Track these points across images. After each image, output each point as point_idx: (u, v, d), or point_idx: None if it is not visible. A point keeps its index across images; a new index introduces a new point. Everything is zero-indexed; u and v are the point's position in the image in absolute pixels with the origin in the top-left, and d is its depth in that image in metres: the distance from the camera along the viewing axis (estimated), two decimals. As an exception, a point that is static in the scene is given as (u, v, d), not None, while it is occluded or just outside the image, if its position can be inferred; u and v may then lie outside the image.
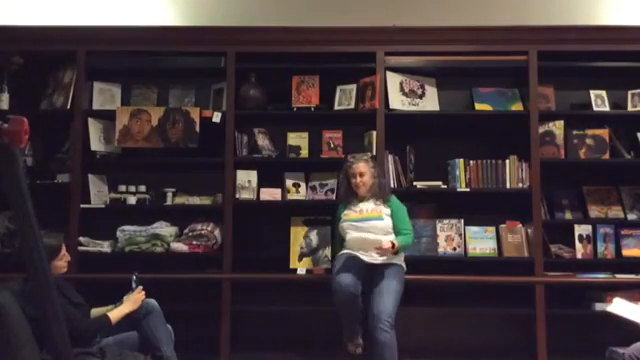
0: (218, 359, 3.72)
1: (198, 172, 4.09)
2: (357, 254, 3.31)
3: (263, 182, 3.96)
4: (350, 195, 3.53)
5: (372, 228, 3.38)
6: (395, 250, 3.33)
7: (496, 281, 3.79)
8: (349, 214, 3.49)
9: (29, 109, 3.97)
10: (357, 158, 3.52)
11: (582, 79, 4.07)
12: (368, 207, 3.48)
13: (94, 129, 3.97)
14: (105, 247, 3.87)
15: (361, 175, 3.46)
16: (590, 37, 3.85)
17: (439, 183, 3.91)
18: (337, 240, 3.58)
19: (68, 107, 3.97)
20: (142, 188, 3.98)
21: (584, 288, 3.86)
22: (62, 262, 2.84)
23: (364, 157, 3.54)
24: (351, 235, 3.38)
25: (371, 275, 3.33)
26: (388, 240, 3.31)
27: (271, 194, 3.92)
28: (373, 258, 3.32)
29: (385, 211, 3.45)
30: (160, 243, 3.84)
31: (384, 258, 3.34)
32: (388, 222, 3.44)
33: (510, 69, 4.04)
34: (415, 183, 3.91)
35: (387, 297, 3.23)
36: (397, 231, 3.41)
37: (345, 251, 3.40)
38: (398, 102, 3.98)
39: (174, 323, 3.10)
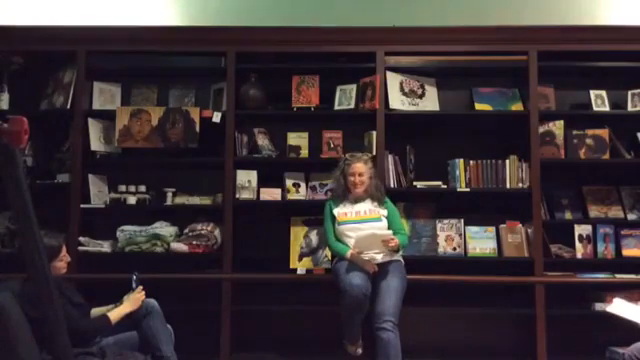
0: (218, 359, 3.72)
1: (198, 172, 4.09)
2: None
3: (263, 182, 3.96)
4: (345, 194, 3.54)
5: (371, 229, 3.39)
6: (396, 248, 3.35)
7: (496, 281, 3.79)
8: (345, 215, 3.48)
9: (29, 109, 3.98)
10: (356, 157, 3.53)
11: (582, 79, 4.07)
12: (365, 208, 3.50)
13: (94, 129, 3.97)
14: (105, 247, 3.87)
15: (360, 175, 3.48)
16: (590, 37, 3.85)
17: (439, 183, 3.91)
18: (331, 234, 3.50)
19: (68, 107, 3.96)
20: (142, 188, 3.98)
21: (584, 288, 3.86)
22: (62, 263, 2.83)
23: (363, 157, 3.56)
24: (357, 235, 3.35)
25: (374, 274, 3.33)
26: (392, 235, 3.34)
27: (271, 194, 3.92)
28: (374, 258, 3.34)
29: (382, 212, 3.50)
30: (160, 243, 3.84)
31: (382, 255, 3.36)
32: (385, 223, 3.47)
33: (510, 69, 4.05)
34: (415, 183, 3.91)
35: (391, 296, 3.25)
36: (393, 232, 3.41)
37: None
38: (398, 102, 3.98)
39: (174, 323, 3.10)
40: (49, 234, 2.77)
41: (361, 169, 3.49)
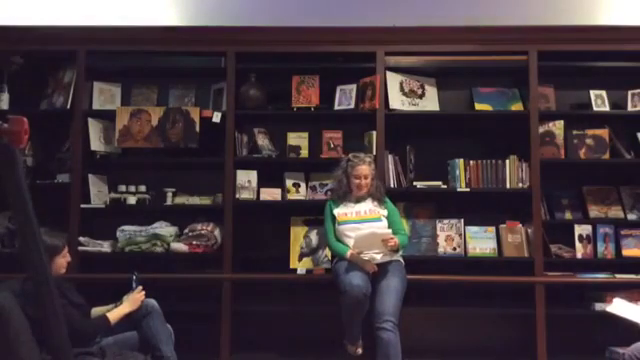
0: (218, 359, 3.72)
1: (198, 172, 4.09)
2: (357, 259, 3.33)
3: (263, 182, 3.96)
4: (346, 194, 3.55)
5: (370, 229, 3.39)
6: (396, 248, 3.36)
7: (496, 281, 3.79)
8: (346, 215, 3.49)
9: (29, 109, 3.98)
10: (361, 159, 3.53)
11: (582, 79, 4.07)
12: (366, 208, 3.51)
13: (94, 129, 3.97)
14: (105, 247, 3.87)
15: (365, 177, 3.50)
16: (590, 37, 3.85)
17: (439, 183, 3.91)
18: (332, 234, 3.51)
19: (68, 107, 3.96)
20: (142, 188, 3.98)
21: (584, 288, 3.86)
22: (64, 260, 2.83)
23: (367, 159, 3.56)
24: (357, 234, 3.36)
25: (374, 274, 3.34)
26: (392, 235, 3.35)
27: (271, 194, 3.92)
28: (373, 258, 3.35)
29: (382, 212, 3.51)
30: (160, 243, 3.84)
31: (382, 255, 3.37)
32: (385, 223, 3.48)
33: (510, 69, 4.05)
34: (415, 183, 3.91)
35: (391, 296, 3.26)
36: (393, 232, 3.42)
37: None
38: (398, 102, 3.98)
39: (174, 323, 3.10)
40: (52, 232, 2.79)
41: (366, 171, 3.50)
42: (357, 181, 3.49)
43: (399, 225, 3.54)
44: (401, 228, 3.55)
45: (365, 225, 3.42)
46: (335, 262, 3.50)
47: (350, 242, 3.40)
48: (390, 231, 3.37)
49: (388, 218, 3.50)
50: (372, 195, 3.54)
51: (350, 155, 3.60)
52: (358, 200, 3.54)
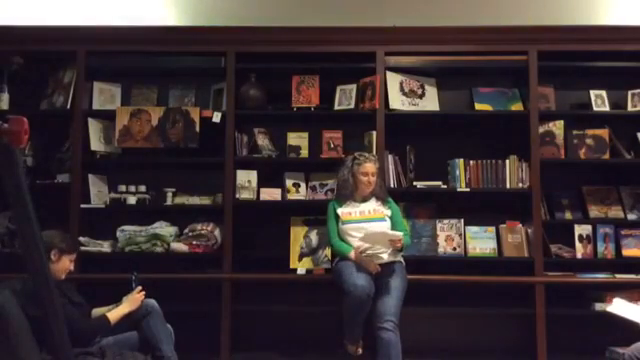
0: (218, 359, 3.72)
1: (198, 172, 4.09)
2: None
3: (263, 182, 3.96)
4: (352, 193, 3.54)
5: (375, 228, 3.40)
6: (400, 247, 3.36)
7: (496, 281, 3.79)
8: (350, 214, 3.49)
9: (29, 109, 3.98)
10: (367, 157, 3.54)
11: (582, 79, 4.07)
12: (370, 208, 3.51)
13: (94, 129, 3.97)
14: (105, 247, 3.88)
15: (372, 175, 3.50)
16: (590, 37, 3.85)
17: (439, 183, 3.91)
18: (335, 234, 3.51)
19: (68, 107, 3.96)
20: (142, 188, 3.98)
21: (584, 288, 3.86)
22: (69, 265, 2.81)
23: (372, 157, 3.57)
24: (367, 230, 3.35)
25: (376, 274, 3.34)
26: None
27: (271, 194, 3.92)
28: (380, 257, 3.36)
29: (386, 212, 3.52)
30: (160, 243, 3.84)
31: (387, 255, 3.37)
32: (389, 223, 3.49)
33: (510, 69, 4.05)
34: (415, 183, 3.91)
35: (392, 296, 3.27)
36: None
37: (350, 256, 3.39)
38: (398, 102, 3.98)
39: (174, 323, 3.10)
40: (64, 235, 2.85)
41: (372, 169, 3.50)
42: (364, 178, 3.49)
43: (402, 226, 3.55)
44: (404, 228, 3.56)
45: (369, 225, 3.41)
46: (337, 262, 3.50)
47: (354, 241, 3.40)
48: (401, 234, 3.35)
49: (391, 218, 3.51)
50: (376, 195, 3.54)
51: (356, 154, 3.59)
52: (363, 200, 3.54)
